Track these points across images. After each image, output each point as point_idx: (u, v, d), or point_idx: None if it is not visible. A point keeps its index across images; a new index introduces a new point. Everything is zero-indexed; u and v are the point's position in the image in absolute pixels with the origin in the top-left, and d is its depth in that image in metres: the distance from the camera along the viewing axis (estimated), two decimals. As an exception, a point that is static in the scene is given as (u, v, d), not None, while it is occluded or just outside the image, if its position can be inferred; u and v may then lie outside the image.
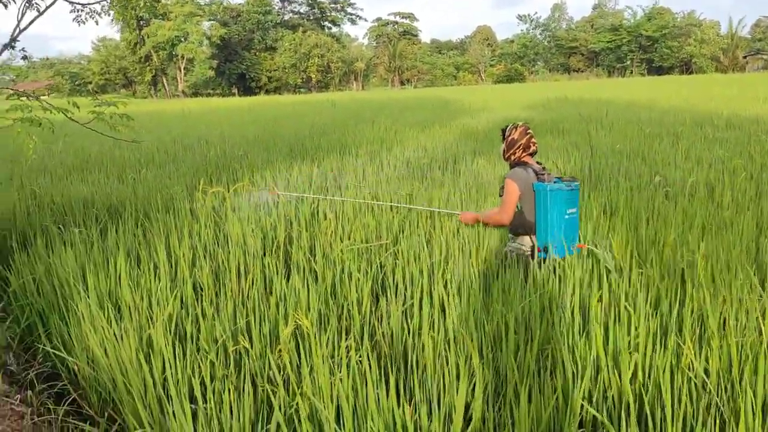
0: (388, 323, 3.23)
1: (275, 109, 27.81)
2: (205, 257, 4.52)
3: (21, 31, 3.78)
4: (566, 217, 3.69)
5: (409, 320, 3.25)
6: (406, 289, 3.76)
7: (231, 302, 3.50)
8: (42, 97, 5.04)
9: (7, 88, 5.40)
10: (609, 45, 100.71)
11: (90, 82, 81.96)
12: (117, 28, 76.45)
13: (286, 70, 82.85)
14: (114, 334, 3.34)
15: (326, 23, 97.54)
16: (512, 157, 3.91)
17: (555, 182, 3.74)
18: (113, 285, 3.99)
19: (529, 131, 3.91)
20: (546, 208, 3.65)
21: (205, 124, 19.25)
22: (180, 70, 76.82)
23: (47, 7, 3.88)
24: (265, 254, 4.57)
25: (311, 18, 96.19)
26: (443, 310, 3.27)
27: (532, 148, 3.89)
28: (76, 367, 3.60)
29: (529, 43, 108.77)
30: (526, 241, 3.87)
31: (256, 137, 13.35)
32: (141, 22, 73.64)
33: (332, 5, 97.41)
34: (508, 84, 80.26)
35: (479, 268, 3.97)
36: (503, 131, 4.01)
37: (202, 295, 3.72)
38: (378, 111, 22.25)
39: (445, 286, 3.63)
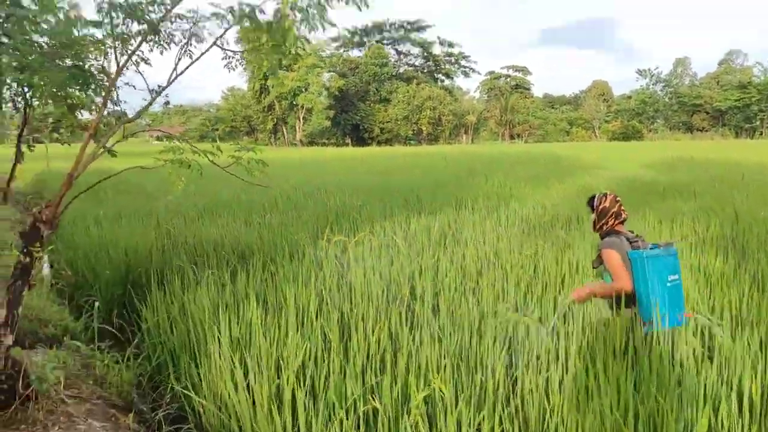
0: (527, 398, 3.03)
1: (387, 161, 28.39)
2: (330, 305, 4.55)
3: (177, 77, 4.05)
4: (668, 284, 3.56)
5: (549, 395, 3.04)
6: (538, 358, 3.55)
7: (360, 356, 3.46)
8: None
9: (157, 130, 5.80)
10: (736, 103, 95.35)
11: (217, 129, 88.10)
12: (245, 77, 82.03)
13: (399, 122, 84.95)
14: (245, 379, 3.39)
15: (440, 75, 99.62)
16: (604, 227, 3.87)
17: (651, 248, 3.63)
18: (244, 329, 4.08)
19: (618, 199, 3.89)
20: (645, 276, 3.53)
21: (322, 172, 19.97)
22: (299, 120, 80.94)
23: (202, 54, 4.14)
24: (389, 304, 4.52)
25: (425, 70, 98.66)
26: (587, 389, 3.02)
27: (624, 215, 3.86)
28: (202, 409, 3.68)
29: (649, 99, 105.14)
30: (628, 313, 3.71)
31: (372, 187, 13.61)
32: (267, 73, 78.64)
33: (447, 58, 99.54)
34: (624, 141, 77.53)
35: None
36: (590, 200, 4.00)
37: (330, 346, 3.71)
38: (489, 165, 22.12)
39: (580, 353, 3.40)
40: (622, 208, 3.87)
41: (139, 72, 4.25)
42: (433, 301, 4.67)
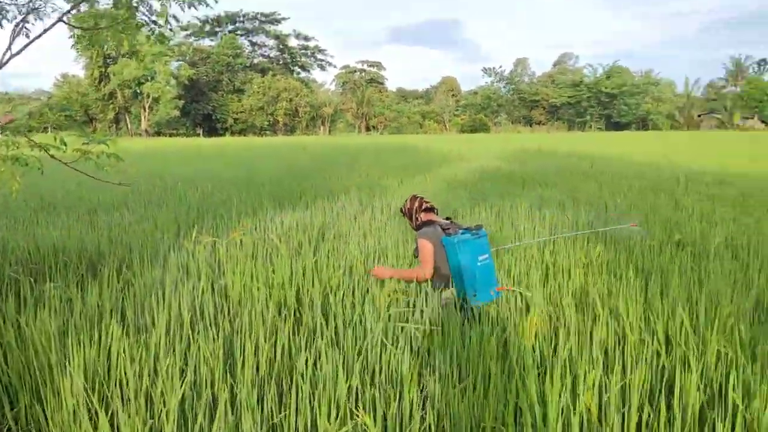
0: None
1: (245, 151, 27.26)
2: (207, 321, 3.91)
3: (11, 57, 3.24)
4: (479, 264, 3.87)
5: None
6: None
7: (250, 386, 2.90)
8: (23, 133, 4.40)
9: None
10: (569, 100, 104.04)
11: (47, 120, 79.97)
12: (82, 64, 75.23)
13: (254, 113, 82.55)
14: (108, 421, 2.71)
15: (296, 68, 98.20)
16: (418, 222, 4.25)
17: (462, 233, 3.93)
18: (103, 356, 3.35)
19: (416, 195, 4.38)
20: (457, 258, 3.84)
21: (175, 164, 18.54)
22: (144, 109, 75.69)
23: (45, 30, 3.35)
24: (279, 314, 3.99)
25: (280, 62, 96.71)
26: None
27: (426, 205, 4.26)
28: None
29: (493, 95, 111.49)
30: (448, 294, 4.02)
31: (234, 180, 12.76)
32: (108, 60, 72.70)
33: (302, 51, 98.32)
34: (472, 134, 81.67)
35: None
36: (401, 211, 4.45)
37: (213, 375, 3.11)
38: (353, 156, 21.93)
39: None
40: (425, 200, 4.29)
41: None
42: (326, 307, 4.20)
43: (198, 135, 78.78)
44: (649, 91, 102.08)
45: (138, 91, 73.28)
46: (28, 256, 6.29)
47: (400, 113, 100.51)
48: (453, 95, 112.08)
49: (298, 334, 3.66)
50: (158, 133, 77.83)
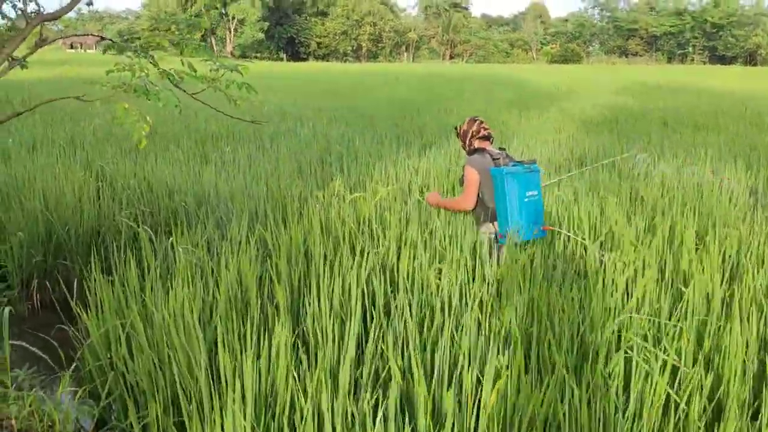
0: None
1: (339, 78, 25.95)
2: (400, 308, 2.95)
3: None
4: (525, 200, 3.70)
5: None
6: None
7: None
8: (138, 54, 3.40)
9: (80, 35, 3.73)
10: (671, 29, 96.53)
11: (139, 38, 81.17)
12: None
13: (337, 37, 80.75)
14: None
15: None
16: (471, 147, 3.96)
17: (513, 165, 3.74)
18: (280, 367, 2.42)
19: (477, 119, 3.98)
20: (504, 191, 3.66)
21: (272, 91, 17.56)
22: (230, 31, 75.40)
23: None
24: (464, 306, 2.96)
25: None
26: None
27: (483, 132, 3.92)
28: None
29: (586, 22, 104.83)
30: (489, 227, 3.89)
31: (340, 112, 11.70)
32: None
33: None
34: (563, 65, 77.01)
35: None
36: (455, 130, 4.12)
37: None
38: (454, 89, 20.35)
39: None
40: (483, 125, 3.94)
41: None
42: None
43: (281, 59, 78.07)
44: (760, 23, 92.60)
45: (224, 12, 72.83)
46: (141, 198, 5.54)
47: (486, 41, 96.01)
48: (541, 22, 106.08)
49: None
50: (243, 56, 77.67)
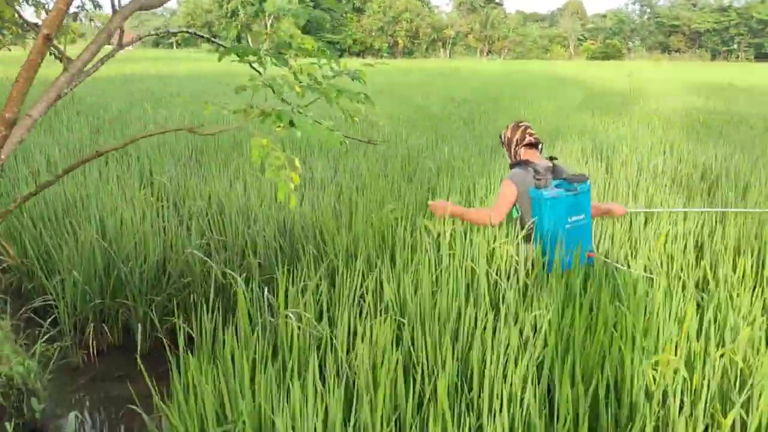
0: None
1: (400, 76, 24.73)
2: None
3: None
4: (568, 226, 3.25)
5: None
6: None
7: None
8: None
9: (160, 32, 2.88)
10: (715, 26, 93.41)
11: (176, 34, 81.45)
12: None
13: (373, 34, 79.87)
14: None
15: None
16: (516, 158, 3.58)
17: (556, 185, 3.26)
18: None
19: (521, 124, 3.60)
20: (541, 217, 3.24)
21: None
22: (266, 27, 75.11)
23: None
24: None
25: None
26: None
27: (528, 139, 3.51)
28: None
29: (626, 18, 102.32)
30: (527, 248, 3.38)
31: (401, 114, 10.69)
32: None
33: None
34: (604, 61, 74.82)
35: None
36: (500, 138, 3.73)
37: None
38: (517, 88, 19.20)
39: None
40: (528, 131, 3.55)
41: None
42: None
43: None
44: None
45: (260, 8, 72.55)
46: (210, 224, 4.65)
47: (524, 37, 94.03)
48: (578, 18, 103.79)
49: None
50: (280, 53, 77.23)
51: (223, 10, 75.36)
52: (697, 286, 3.62)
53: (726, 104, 14.15)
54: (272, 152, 1.71)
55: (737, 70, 40.29)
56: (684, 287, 3.29)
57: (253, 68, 2.72)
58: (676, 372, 2.32)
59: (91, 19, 4.99)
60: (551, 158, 3.58)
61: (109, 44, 2.36)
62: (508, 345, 2.51)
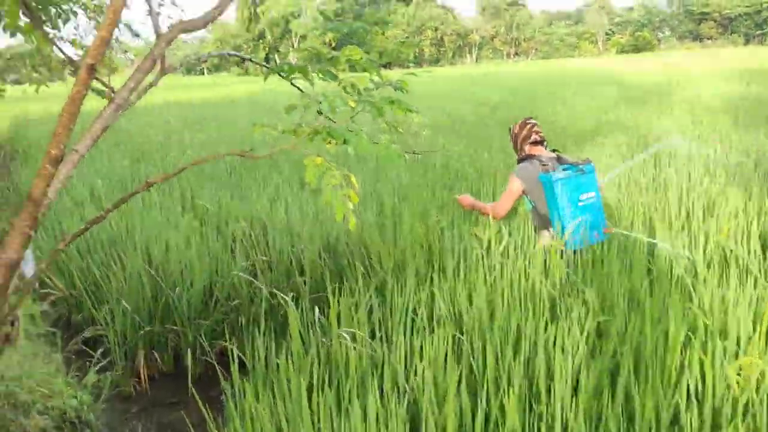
0: None
1: (428, 86, 24.59)
2: None
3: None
4: (580, 204, 3.47)
5: None
6: None
7: None
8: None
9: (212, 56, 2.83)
10: (747, 10, 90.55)
11: (206, 60, 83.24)
12: (233, 5, 77.04)
13: (399, 45, 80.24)
14: None
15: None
16: (521, 153, 3.77)
17: (564, 169, 3.48)
18: None
19: (529, 121, 3.79)
20: (555, 198, 3.45)
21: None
22: (293, 47, 76.08)
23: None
24: None
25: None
26: None
27: (534, 137, 3.70)
28: None
29: (654, 8, 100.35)
30: (546, 235, 3.65)
31: (448, 124, 10.54)
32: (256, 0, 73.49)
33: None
34: (636, 54, 73.40)
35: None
36: (509, 132, 3.89)
37: None
38: (550, 89, 18.88)
39: None
40: (535, 129, 3.73)
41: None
42: None
43: (344, 70, 77.91)
44: None
45: (286, 29, 73.51)
46: (254, 245, 4.62)
47: (550, 35, 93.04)
48: (606, 13, 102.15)
49: None
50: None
51: (250, 34, 76.66)
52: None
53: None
54: (328, 171, 1.63)
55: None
56: (755, 283, 3.09)
57: (296, 86, 2.67)
58: (763, 376, 2.15)
59: (125, 51, 5.02)
60: (554, 151, 3.78)
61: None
62: (576, 353, 2.37)
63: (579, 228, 3.46)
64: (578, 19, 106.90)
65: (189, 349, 3.93)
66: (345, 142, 1.72)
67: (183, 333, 4.10)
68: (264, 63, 2.38)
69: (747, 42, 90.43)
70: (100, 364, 3.72)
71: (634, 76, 21.56)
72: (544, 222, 3.68)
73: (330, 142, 1.79)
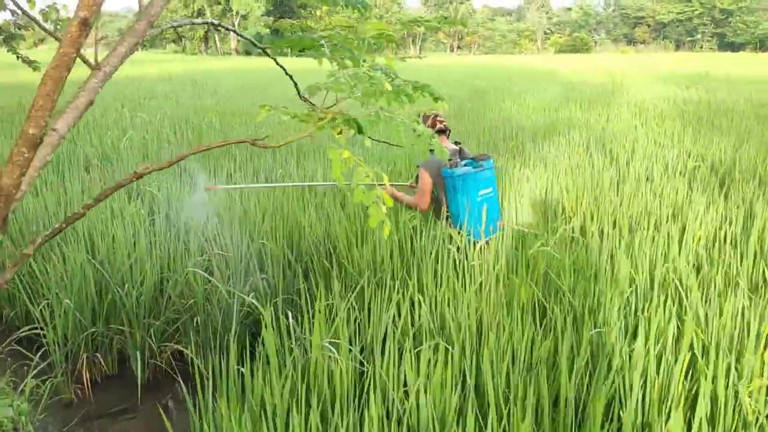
0: None
1: None
2: None
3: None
4: (478, 199, 3.63)
5: None
6: None
7: None
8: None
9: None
10: (678, 16, 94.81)
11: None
12: (171, -20, 74.11)
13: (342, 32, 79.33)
14: None
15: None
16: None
17: (464, 164, 3.63)
18: None
19: (431, 113, 3.88)
20: (455, 193, 3.62)
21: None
22: (233, 26, 73.98)
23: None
24: None
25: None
26: None
27: (439, 125, 3.80)
28: None
29: (591, 11, 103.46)
30: (445, 226, 3.75)
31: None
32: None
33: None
34: (572, 54, 75.44)
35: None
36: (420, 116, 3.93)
37: None
38: (501, 81, 19.01)
39: None
40: (439, 119, 3.83)
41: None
42: None
43: (286, 54, 76.39)
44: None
45: (227, 7, 71.33)
46: (210, 237, 4.29)
47: (493, 31, 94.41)
48: (545, 12, 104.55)
49: None
50: (247, 53, 76.15)
51: (188, 10, 73.90)
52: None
53: (708, 94, 14.13)
54: (358, 168, 1.39)
55: (706, 60, 40.85)
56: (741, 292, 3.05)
57: (278, 64, 2.40)
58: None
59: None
60: (456, 143, 3.91)
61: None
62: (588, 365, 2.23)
63: (477, 221, 3.61)
64: (519, 16, 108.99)
65: (138, 352, 3.60)
66: (360, 131, 1.49)
67: (131, 333, 3.75)
68: (253, 40, 2.09)
69: (677, 48, 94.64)
70: (39, 367, 3.34)
71: (574, 76, 21.99)
72: (443, 213, 3.81)
73: (340, 132, 1.55)
